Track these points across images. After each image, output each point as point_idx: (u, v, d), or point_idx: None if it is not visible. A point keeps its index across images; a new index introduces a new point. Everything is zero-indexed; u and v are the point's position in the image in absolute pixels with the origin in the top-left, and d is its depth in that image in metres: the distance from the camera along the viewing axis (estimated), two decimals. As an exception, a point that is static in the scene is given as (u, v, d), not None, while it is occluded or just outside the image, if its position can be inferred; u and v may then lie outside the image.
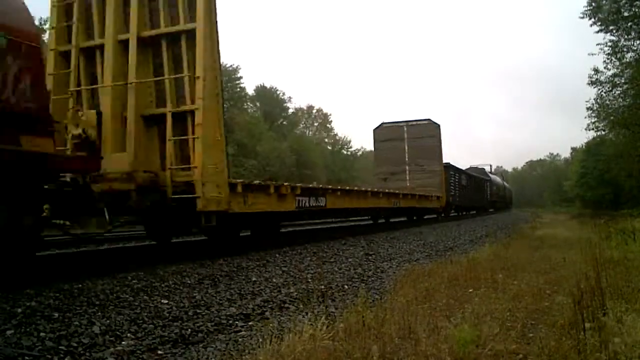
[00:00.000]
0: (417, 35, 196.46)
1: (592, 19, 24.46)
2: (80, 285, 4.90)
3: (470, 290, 5.01)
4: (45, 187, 5.49)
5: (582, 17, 24.88)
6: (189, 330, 3.83)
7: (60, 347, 3.21)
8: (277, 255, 7.89)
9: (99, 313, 4.02)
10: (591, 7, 24.46)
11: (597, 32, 24.63)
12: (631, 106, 25.14)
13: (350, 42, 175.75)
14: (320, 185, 11.90)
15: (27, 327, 3.49)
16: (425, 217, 20.95)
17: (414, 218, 20.08)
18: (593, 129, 29.18)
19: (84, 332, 3.51)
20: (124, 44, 7.27)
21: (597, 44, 25.18)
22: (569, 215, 36.19)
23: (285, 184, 9.44)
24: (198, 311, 4.36)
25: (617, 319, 3.36)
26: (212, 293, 5.04)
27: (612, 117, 26.80)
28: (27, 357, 3.00)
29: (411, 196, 17.41)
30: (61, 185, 5.86)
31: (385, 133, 21.59)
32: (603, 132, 31.54)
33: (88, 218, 7.16)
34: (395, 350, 3.02)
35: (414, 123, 21.39)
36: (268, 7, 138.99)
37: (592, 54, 25.52)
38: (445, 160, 22.78)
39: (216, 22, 7.11)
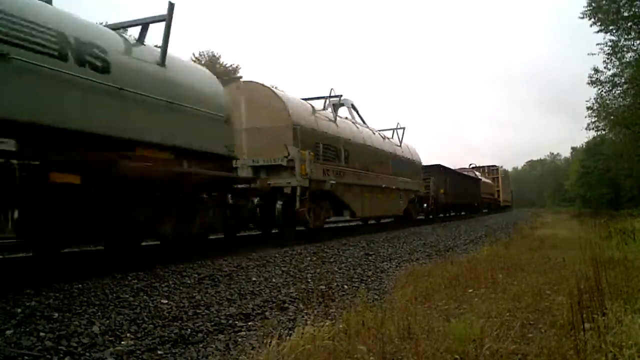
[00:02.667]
0: (417, 36, 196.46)
1: (592, 19, 24.46)
2: (80, 285, 4.89)
3: (470, 291, 5.01)
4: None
5: (582, 17, 24.88)
6: (189, 330, 3.83)
7: (60, 347, 3.20)
8: (277, 255, 7.89)
9: (99, 313, 4.02)
10: (591, 7, 24.45)
11: (597, 32, 24.64)
12: (631, 106, 25.12)
13: (350, 43, 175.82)
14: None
15: (27, 327, 3.49)
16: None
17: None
18: (593, 128, 29.18)
19: (84, 332, 3.50)
20: None
21: (597, 44, 25.23)
22: (569, 214, 36.15)
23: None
24: (198, 311, 4.36)
25: (617, 319, 3.36)
26: (212, 293, 5.04)
27: (612, 117, 26.78)
28: (26, 357, 3.00)
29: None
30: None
31: None
32: (603, 132, 31.53)
33: None
34: (396, 350, 3.02)
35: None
36: (267, 7, 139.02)
37: (592, 54, 25.53)
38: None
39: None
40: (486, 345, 2.93)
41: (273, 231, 11.60)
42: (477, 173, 37.93)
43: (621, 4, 23.46)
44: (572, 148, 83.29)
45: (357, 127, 15.05)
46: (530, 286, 5.12)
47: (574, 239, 10.62)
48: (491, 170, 46.16)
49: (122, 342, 3.45)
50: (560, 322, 3.52)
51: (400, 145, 18.34)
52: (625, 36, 24.17)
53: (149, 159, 6.60)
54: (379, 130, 17.31)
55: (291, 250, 8.58)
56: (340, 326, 3.52)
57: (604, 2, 24.05)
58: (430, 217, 22.94)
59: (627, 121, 25.06)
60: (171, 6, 7.03)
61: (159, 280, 5.45)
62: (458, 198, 27.29)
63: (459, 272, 6.08)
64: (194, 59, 40.91)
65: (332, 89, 14.06)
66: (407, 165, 18.62)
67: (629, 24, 23.48)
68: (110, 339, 3.50)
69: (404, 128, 18.79)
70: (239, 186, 9.62)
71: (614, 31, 24.21)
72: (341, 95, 14.25)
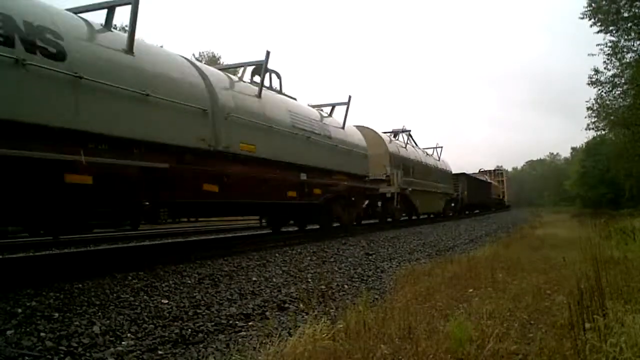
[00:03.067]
0: (417, 37, 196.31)
1: (592, 20, 24.46)
2: (80, 285, 4.89)
3: (471, 290, 5.01)
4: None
5: (582, 18, 24.88)
6: (189, 330, 3.83)
7: (60, 347, 3.21)
8: (277, 255, 7.89)
9: (99, 313, 4.02)
10: (591, 8, 24.45)
11: (597, 32, 24.64)
12: (631, 106, 25.11)
13: (350, 43, 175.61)
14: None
15: (27, 327, 3.49)
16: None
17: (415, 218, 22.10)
18: (593, 128, 29.21)
19: (84, 332, 3.50)
20: None
21: (597, 45, 25.21)
22: (569, 214, 36.17)
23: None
24: (198, 311, 4.36)
25: (617, 319, 3.36)
26: (213, 293, 5.04)
27: (612, 117, 26.80)
28: (27, 357, 3.00)
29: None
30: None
31: None
32: (603, 132, 31.55)
33: None
34: (395, 350, 3.02)
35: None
36: (267, 7, 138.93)
37: (592, 55, 25.53)
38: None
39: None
40: (487, 346, 2.93)
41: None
42: (487, 177, 44.45)
43: (621, 4, 23.46)
44: (572, 148, 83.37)
45: (417, 151, 21.81)
46: (530, 286, 5.12)
47: (574, 238, 10.62)
48: (497, 173, 52.72)
49: (123, 342, 3.45)
50: (560, 322, 3.52)
51: (439, 160, 25.36)
52: (625, 37, 24.19)
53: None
54: (424, 149, 23.97)
55: (291, 250, 8.58)
56: (341, 326, 3.52)
57: (604, 2, 24.05)
58: (458, 213, 28.82)
59: (627, 121, 25.07)
60: (349, 97, 10.65)
61: (159, 280, 5.45)
62: (476, 198, 33.73)
63: (459, 271, 6.08)
64: (194, 59, 40.77)
65: (404, 126, 20.98)
66: (443, 174, 25.33)
67: (629, 25, 23.49)
68: (111, 339, 3.50)
69: (441, 147, 25.57)
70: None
71: (614, 32, 24.23)
72: (410, 130, 21.08)
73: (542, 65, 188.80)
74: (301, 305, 4.73)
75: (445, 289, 5.11)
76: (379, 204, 17.19)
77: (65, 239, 10.17)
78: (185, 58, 8.18)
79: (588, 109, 28.07)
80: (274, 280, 5.93)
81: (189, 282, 5.48)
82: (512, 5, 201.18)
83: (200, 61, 39.01)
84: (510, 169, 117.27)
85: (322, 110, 13.33)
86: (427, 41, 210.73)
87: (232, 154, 8.11)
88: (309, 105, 12.92)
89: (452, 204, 27.57)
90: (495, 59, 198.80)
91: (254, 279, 5.89)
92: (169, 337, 3.65)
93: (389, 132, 19.69)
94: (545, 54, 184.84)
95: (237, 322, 4.18)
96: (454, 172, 29.03)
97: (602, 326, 3.17)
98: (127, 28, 6.73)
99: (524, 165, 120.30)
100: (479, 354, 2.87)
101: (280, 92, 10.85)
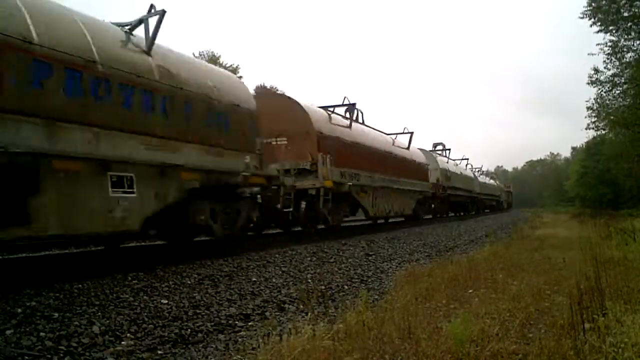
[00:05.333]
0: (418, 37, 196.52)
1: (592, 19, 24.44)
2: (80, 285, 4.89)
3: (470, 291, 5.01)
4: None
5: (582, 18, 24.86)
6: (189, 330, 3.84)
7: (60, 347, 3.21)
8: (277, 255, 7.88)
9: (99, 313, 4.02)
10: (591, 8, 24.43)
11: (597, 32, 24.61)
12: (631, 106, 25.09)
13: (350, 44, 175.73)
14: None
15: (27, 327, 3.49)
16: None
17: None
18: (593, 128, 29.15)
19: (84, 332, 3.50)
20: None
21: (597, 44, 25.18)
22: (569, 214, 36.13)
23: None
24: (198, 311, 4.36)
25: (617, 320, 3.36)
26: (212, 293, 5.04)
27: (612, 117, 26.76)
28: (27, 357, 3.00)
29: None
30: None
31: None
32: (603, 132, 31.50)
33: None
34: (396, 350, 3.02)
35: None
36: (267, 7, 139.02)
37: (592, 54, 25.49)
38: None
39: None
40: (487, 346, 2.93)
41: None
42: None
43: (621, 4, 23.43)
44: (572, 148, 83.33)
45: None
46: (530, 286, 5.12)
47: (574, 239, 10.62)
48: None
49: (122, 342, 3.45)
50: (560, 322, 3.52)
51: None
52: (625, 36, 24.15)
53: None
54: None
55: (291, 250, 8.57)
56: (340, 326, 3.52)
57: (604, 2, 24.03)
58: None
59: (627, 121, 25.03)
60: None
61: (159, 280, 5.45)
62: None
63: (459, 272, 6.08)
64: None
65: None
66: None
67: (628, 24, 23.45)
68: (111, 339, 3.50)
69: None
70: None
71: (614, 31, 24.20)
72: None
73: (542, 65, 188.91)
74: (301, 305, 4.73)
75: (445, 290, 5.11)
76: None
77: (65, 240, 10.17)
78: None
79: (588, 108, 28.03)
80: (274, 280, 5.93)
81: (189, 282, 5.48)
82: (512, 5, 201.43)
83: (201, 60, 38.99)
84: (510, 169, 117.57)
85: None
86: (427, 41, 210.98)
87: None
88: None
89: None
90: (495, 59, 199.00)
91: (253, 279, 5.89)
92: (169, 337, 3.65)
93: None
94: (546, 54, 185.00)
95: (236, 322, 4.19)
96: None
97: (602, 326, 3.17)
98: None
99: (524, 165, 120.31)
100: (479, 354, 2.87)
101: None
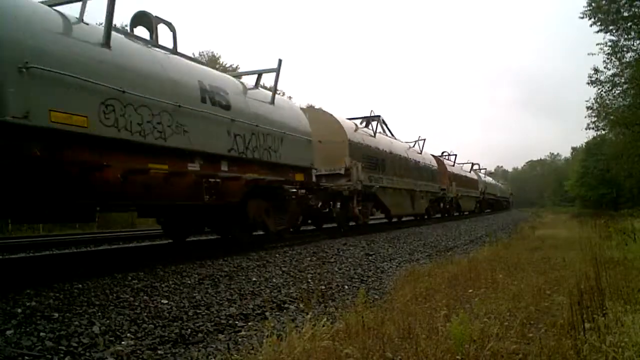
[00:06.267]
0: (418, 38, 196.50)
1: (592, 19, 24.45)
2: (80, 285, 4.89)
3: (470, 291, 5.01)
4: None
5: (582, 17, 24.87)
6: (189, 330, 3.84)
7: (60, 347, 3.21)
8: (277, 255, 7.88)
9: (99, 313, 4.02)
10: (591, 7, 24.44)
11: (597, 32, 24.63)
12: (631, 106, 25.11)
13: (350, 44, 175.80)
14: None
15: (27, 327, 3.49)
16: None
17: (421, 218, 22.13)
18: (593, 128, 29.17)
19: (84, 332, 3.51)
20: None
21: (597, 44, 25.19)
22: (569, 215, 36.15)
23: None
24: (198, 311, 4.36)
25: (617, 320, 3.36)
26: (212, 293, 5.04)
27: (612, 117, 26.77)
28: (27, 357, 3.01)
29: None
30: None
31: None
32: (603, 132, 31.51)
33: None
34: (395, 350, 3.02)
35: None
36: (267, 7, 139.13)
37: (592, 54, 25.51)
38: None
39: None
40: (487, 346, 2.93)
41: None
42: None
43: (621, 4, 23.44)
44: (572, 148, 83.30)
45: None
46: (530, 286, 5.12)
47: (574, 239, 10.63)
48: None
49: (123, 342, 3.45)
50: (560, 322, 3.52)
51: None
52: (625, 36, 24.16)
53: None
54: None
55: (291, 250, 8.57)
56: (340, 326, 3.52)
57: (604, 2, 24.04)
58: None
59: (627, 121, 25.05)
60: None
61: (159, 280, 5.45)
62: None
63: (459, 272, 6.08)
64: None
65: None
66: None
67: (628, 24, 23.46)
68: (111, 339, 3.50)
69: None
70: None
71: (614, 31, 24.21)
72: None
73: (542, 65, 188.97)
74: (301, 305, 4.73)
75: (446, 290, 5.11)
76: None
77: (65, 239, 10.18)
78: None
79: (588, 108, 28.06)
80: (274, 280, 5.93)
81: (189, 282, 5.48)
82: (513, 5, 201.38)
83: (201, 60, 39.02)
84: (510, 169, 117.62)
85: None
86: (427, 41, 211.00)
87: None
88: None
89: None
90: (495, 60, 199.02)
91: (253, 279, 5.89)
92: (169, 337, 3.65)
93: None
94: (546, 54, 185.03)
95: (236, 322, 4.19)
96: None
97: (602, 326, 3.17)
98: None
99: (524, 165, 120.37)
100: (479, 354, 2.87)
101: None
